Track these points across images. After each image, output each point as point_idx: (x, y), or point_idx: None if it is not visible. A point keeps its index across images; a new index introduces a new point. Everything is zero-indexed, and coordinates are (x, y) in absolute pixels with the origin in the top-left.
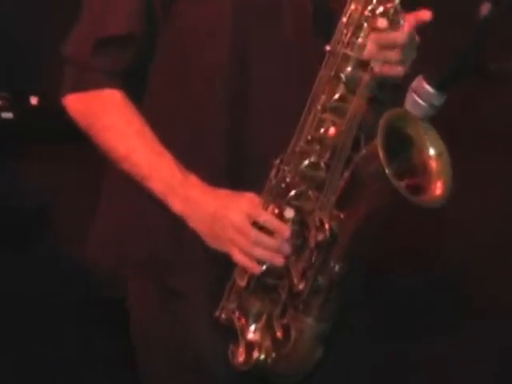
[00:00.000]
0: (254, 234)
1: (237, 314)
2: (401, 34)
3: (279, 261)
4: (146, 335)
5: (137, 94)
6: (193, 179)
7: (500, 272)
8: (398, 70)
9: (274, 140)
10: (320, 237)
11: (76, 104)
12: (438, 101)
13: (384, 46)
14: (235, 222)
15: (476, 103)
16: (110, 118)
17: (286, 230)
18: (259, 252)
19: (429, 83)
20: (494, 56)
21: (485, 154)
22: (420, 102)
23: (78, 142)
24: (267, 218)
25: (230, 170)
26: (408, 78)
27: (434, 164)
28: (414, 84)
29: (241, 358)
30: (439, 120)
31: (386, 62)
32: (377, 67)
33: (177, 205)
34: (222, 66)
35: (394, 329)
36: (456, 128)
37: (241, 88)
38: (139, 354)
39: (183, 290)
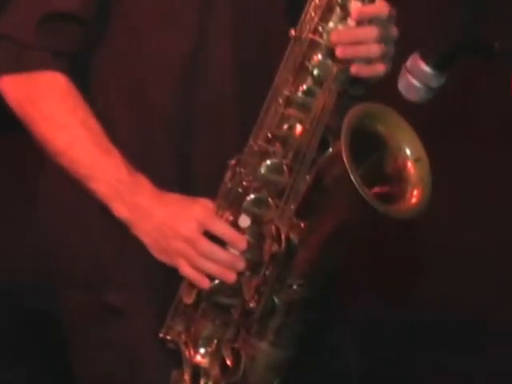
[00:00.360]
0: (205, 245)
1: (183, 336)
2: (380, 9)
3: (231, 277)
4: (81, 351)
5: (82, 84)
6: (142, 182)
7: None
8: (378, 69)
9: (229, 138)
10: (275, 248)
11: (12, 87)
12: (437, 82)
13: (359, 38)
14: (184, 231)
15: (479, 85)
16: (49, 105)
17: (241, 242)
18: (209, 266)
19: (426, 62)
20: (499, 35)
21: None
22: (415, 83)
23: (8, 132)
24: (221, 227)
25: (180, 169)
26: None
27: (410, 169)
28: (409, 63)
29: None
30: (437, 104)
31: (363, 59)
32: (354, 68)
33: (122, 211)
34: (181, 54)
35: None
36: (455, 114)
37: (194, 76)
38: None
39: (123, 306)
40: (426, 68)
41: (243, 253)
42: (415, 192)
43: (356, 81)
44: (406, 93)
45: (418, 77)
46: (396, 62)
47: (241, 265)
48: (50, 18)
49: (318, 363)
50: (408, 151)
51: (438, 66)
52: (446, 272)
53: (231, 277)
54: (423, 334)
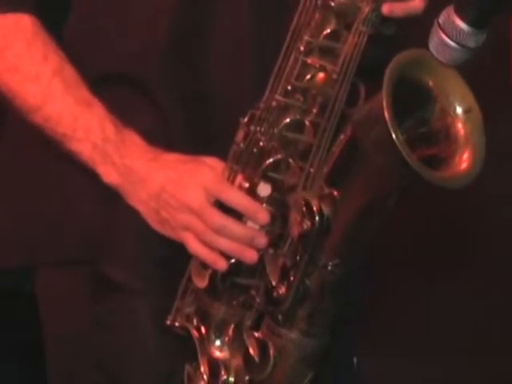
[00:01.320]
0: (217, 218)
1: (195, 321)
2: None
3: (250, 256)
4: (64, 338)
5: (54, 25)
6: (133, 140)
7: None
8: (415, 6)
9: (240, 92)
10: (306, 224)
11: None
12: (475, 41)
13: None
14: (191, 201)
15: None
16: (16, 53)
17: (262, 214)
18: (223, 243)
19: (462, 17)
20: None
21: None
22: (450, 42)
23: None
24: (236, 196)
25: (185, 126)
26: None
27: (459, 125)
28: (442, 18)
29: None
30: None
31: None
32: (385, 7)
33: (111, 176)
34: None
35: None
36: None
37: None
38: (50, 353)
39: (121, 281)
40: (462, 24)
41: (264, 227)
42: (465, 154)
43: (390, 19)
44: (438, 53)
45: (452, 35)
46: (426, 18)
47: (262, 241)
48: None
49: None
50: (456, 104)
51: (476, 22)
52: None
53: (251, 255)
54: None
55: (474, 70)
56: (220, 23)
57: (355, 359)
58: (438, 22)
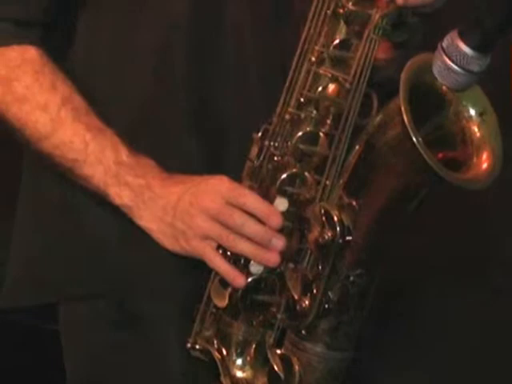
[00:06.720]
0: (238, 215)
1: (215, 343)
2: None
3: (272, 258)
4: (87, 367)
5: (60, 52)
6: (146, 163)
7: None
8: None
9: (252, 107)
10: (327, 235)
11: None
12: (479, 65)
13: None
14: (209, 203)
15: None
16: (24, 84)
17: (276, 217)
18: (243, 245)
19: (465, 41)
20: None
21: None
22: (454, 67)
23: None
24: (253, 199)
25: (198, 149)
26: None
27: (475, 129)
28: (445, 42)
29: None
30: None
31: None
32: None
33: (123, 196)
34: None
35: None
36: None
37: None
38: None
39: (145, 311)
40: (465, 48)
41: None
42: (484, 155)
43: (398, 24)
44: (442, 78)
45: (456, 59)
46: (429, 42)
47: (280, 242)
48: None
49: None
50: (470, 107)
51: (480, 46)
52: None
53: (273, 257)
54: None
55: None
56: (226, 46)
57: None
58: (442, 47)
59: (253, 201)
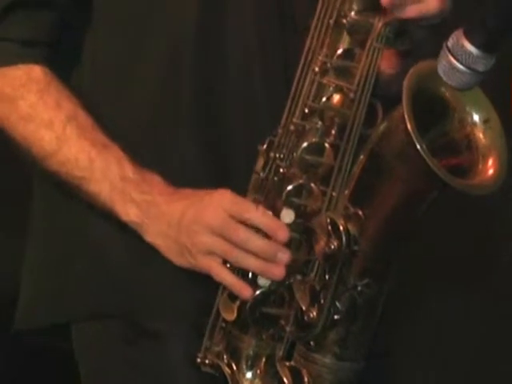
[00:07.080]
0: (242, 231)
1: (225, 357)
2: None
3: (278, 272)
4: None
5: (66, 70)
6: (152, 177)
7: None
8: (432, 6)
9: (256, 119)
10: (334, 245)
11: None
12: (484, 65)
13: None
14: (212, 220)
15: None
16: (29, 102)
17: (283, 230)
18: (248, 261)
19: (471, 41)
20: None
21: None
22: (459, 66)
23: None
24: (256, 213)
25: (204, 160)
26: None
27: (480, 135)
28: (451, 42)
29: None
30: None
31: None
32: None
33: (130, 213)
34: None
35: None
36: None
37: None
38: None
39: (156, 328)
40: (471, 48)
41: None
42: (490, 161)
43: (402, 32)
44: (447, 77)
45: (461, 58)
46: (435, 41)
47: (286, 255)
48: (14, 6)
49: None
50: (474, 114)
51: (485, 45)
52: None
53: (278, 271)
54: None
55: None
56: (231, 55)
57: None
58: (447, 46)
59: (258, 215)
